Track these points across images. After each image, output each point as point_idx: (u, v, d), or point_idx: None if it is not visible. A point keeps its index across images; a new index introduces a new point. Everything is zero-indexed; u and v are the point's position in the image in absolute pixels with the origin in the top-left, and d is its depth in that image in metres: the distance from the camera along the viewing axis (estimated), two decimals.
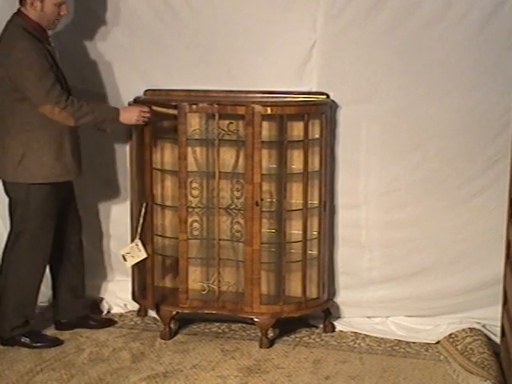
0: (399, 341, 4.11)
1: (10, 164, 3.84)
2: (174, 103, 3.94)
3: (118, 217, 4.51)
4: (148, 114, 3.93)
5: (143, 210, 4.03)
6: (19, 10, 3.79)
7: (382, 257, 4.18)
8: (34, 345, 3.98)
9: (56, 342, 4.05)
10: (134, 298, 4.35)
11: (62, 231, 4.06)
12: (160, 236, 4.22)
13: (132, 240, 4.15)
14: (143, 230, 4.06)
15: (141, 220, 4.04)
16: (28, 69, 3.69)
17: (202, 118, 4.07)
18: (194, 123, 4.07)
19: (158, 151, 4.17)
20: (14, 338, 4.00)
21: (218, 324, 4.31)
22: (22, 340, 3.99)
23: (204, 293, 4.16)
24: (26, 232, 3.89)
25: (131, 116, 3.92)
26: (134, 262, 4.09)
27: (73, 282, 4.18)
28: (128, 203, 4.38)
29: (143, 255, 4.07)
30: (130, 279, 4.46)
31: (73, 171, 3.92)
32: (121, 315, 4.46)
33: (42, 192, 3.85)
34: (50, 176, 3.84)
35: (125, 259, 4.10)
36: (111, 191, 4.46)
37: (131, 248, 4.08)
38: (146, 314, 4.44)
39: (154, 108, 3.96)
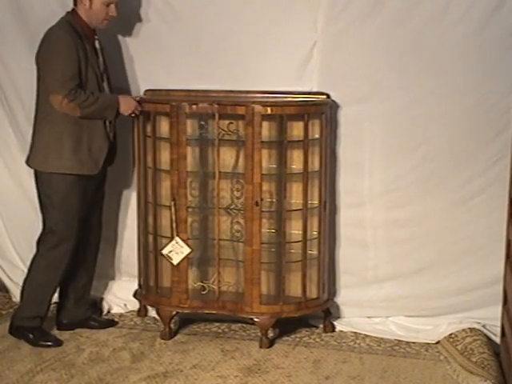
0: (399, 341, 4.11)
1: (34, 152, 3.94)
2: (173, 103, 3.94)
3: (117, 216, 4.52)
4: (139, 110, 4.00)
5: (173, 208, 4.03)
6: (73, 9, 3.91)
7: (384, 256, 4.18)
8: (38, 342, 3.99)
9: (57, 343, 4.04)
10: (136, 297, 4.36)
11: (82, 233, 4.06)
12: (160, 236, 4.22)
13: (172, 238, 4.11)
14: (177, 225, 4.05)
15: (173, 217, 4.03)
16: (53, 56, 3.78)
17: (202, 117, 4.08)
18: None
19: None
20: (19, 331, 4.03)
21: (218, 324, 4.31)
22: (28, 335, 4.01)
23: (204, 293, 4.16)
24: (52, 227, 3.93)
25: (128, 108, 3.96)
26: (179, 259, 4.06)
27: (81, 285, 4.20)
28: (130, 203, 4.41)
29: (187, 250, 4.05)
30: (129, 279, 4.46)
31: (87, 166, 3.92)
32: (121, 315, 4.46)
33: (63, 184, 3.88)
34: (65, 167, 3.87)
35: (170, 258, 4.07)
36: (114, 191, 4.46)
37: (172, 246, 4.06)
38: (146, 314, 4.44)
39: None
